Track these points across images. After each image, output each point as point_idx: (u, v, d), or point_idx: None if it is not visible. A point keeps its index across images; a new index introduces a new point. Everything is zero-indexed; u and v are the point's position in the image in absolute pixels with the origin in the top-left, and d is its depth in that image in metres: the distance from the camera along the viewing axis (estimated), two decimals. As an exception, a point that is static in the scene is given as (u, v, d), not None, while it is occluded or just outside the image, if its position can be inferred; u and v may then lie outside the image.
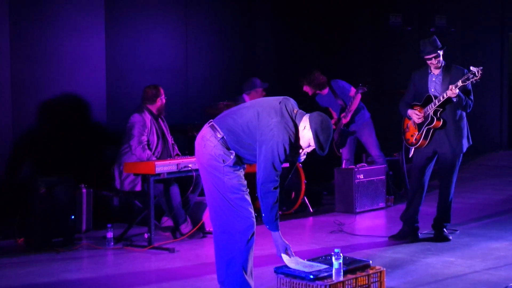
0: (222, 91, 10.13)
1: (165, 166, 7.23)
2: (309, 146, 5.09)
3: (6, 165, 8.24)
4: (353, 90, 9.71)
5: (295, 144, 5.06)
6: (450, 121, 7.32)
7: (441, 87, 7.30)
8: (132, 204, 8.26)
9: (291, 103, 5.17)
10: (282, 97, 5.21)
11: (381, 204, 9.42)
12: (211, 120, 5.30)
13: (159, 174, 7.20)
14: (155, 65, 9.73)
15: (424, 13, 14.13)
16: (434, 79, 7.41)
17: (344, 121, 9.73)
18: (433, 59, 7.29)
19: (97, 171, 8.59)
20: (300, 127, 5.05)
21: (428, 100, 7.32)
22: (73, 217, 7.61)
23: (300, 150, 5.16)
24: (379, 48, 12.86)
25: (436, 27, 14.34)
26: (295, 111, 5.11)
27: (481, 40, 15.37)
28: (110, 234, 7.44)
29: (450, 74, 7.30)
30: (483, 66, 7.09)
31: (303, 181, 9.15)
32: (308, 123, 5.03)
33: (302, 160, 5.29)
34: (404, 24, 13.62)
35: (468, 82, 7.00)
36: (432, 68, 7.41)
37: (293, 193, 9.18)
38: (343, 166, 9.78)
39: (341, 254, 5.11)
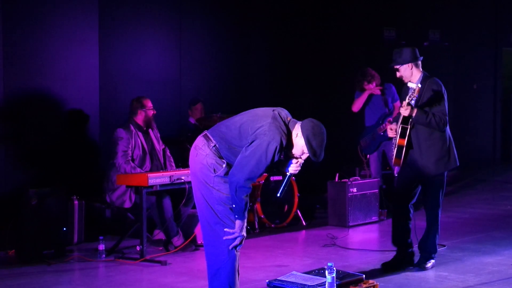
0: (216, 103, 10.12)
1: (158, 178, 7.21)
2: (303, 153, 5.06)
3: (-2, 176, 8.21)
4: (398, 102, 9.70)
5: (286, 148, 5.03)
6: (420, 140, 6.70)
7: (415, 101, 6.72)
8: (124, 217, 8.22)
9: (285, 112, 5.18)
10: (276, 107, 5.21)
11: (374, 218, 9.40)
12: (206, 130, 5.30)
13: (151, 186, 7.18)
14: (149, 76, 9.72)
15: (418, 27, 14.16)
16: (409, 92, 6.75)
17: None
18: (397, 71, 6.90)
19: (89, 182, 8.56)
20: (293, 135, 5.04)
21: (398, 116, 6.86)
22: (64, 229, 7.58)
23: (294, 160, 5.12)
24: (372, 62, 12.85)
25: (430, 41, 14.38)
26: (288, 119, 5.12)
27: (474, 54, 15.42)
28: (102, 246, 7.40)
29: (423, 87, 6.73)
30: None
31: (296, 194, 9.14)
32: (300, 130, 5.01)
33: (297, 171, 5.22)
34: (398, 38, 13.64)
35: (410, 99, 6.53)
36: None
37: (286, 206, 9.16)
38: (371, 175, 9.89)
39: (334, 268, 5.09)
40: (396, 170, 7.09)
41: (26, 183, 8.07)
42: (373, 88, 9.83)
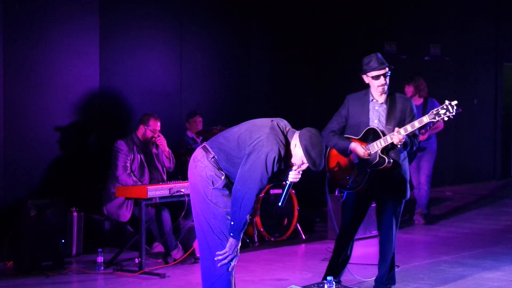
0: (216, 115, 10.11)
1: (157, 191, 7.20)
2: (303, 163, 5.04)
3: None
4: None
5: (284, 159, 5.01)
6: (395, 162, 6.09)
7: (387, 119, 6.08)
8: (123, 229, 8.20)
9: (284, 122, 5.16)
10: (275, 117, 5.20)
11: (374, 232, 9.34)
12: (205, 142, 5.29)
13: (151, 199, 7.16)
14: (149, 88, 9.71)
15: (418, 42, 14.18)
16: (377, 107, 6.16)
17: (421, 138, 9.84)
18: (383, 77, 6.07)
19: (88, 194, 8.53)
20: (292, 145, 5.02)
21: (373, 134, 6.07)
22: (63, 241, 7.55)
23: (294, 168, 5.09)
24: (373, 76, 12.87)
25: (430, 56, 14.40)
26: (287, 129, 5.10)
27: (475, 69, 15.42)
28: (100, 259, 7.36)
29: (396, 103, 6.13)
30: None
31: (296, 207, 9.11)
32: (298, 140, 4.98)
33: (297, 179, 5.18)
34: (399, 52, 13.66)
35: (439, 119, 5.84)
36: (375, 93, 6.17)
37: (286, 219, 9.13)
38: (414, 193, 10.21)
39: (333, 282, 5.07)
40: (344, 195, 6.36)
41: (24, 195, 8.05)
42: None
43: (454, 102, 5.84)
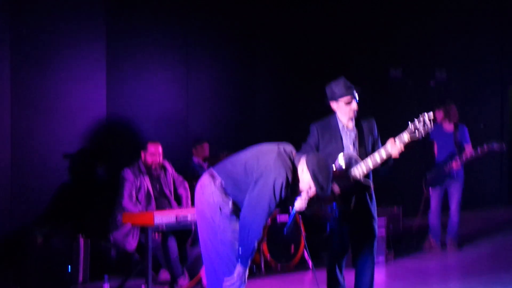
0: (223, 141, 10.11)
1: (164, 217, 7.16)
2: (310, 188, 5.03)
3: (3, 214, 8.16)
4: (469, 145, 9.94)
5: (292, 184, 5.00)
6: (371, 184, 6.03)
7: (359, 143, 5.97)
8: (129, 256, 8.17)
9: (290, 147, 5.17)
10: (281, 142, 5.20)
11: (381, 259, 9.30)
12: (212, 168, 5.28)
13: (157, 227, 7.13)
14: (157, 113, 9.72)
15: (424, 66, 14.19)
16: (348, 133, 6.02)
17: (455, 166, 9.86)
18: (354, 101, 5.98)
19: (95, 220, 8.52)
20: (299, 170, 5.02)
21: (353, 159, 5.87)
22: (69, 268, 7.52)
23: (303, 195, 5.08)
24: (378, 100, 12.87)
25: (436, 80, 14.39)
26: (293, 154, 5.10)
27: (481, 94, 15.40)
28: (107, 286, 7.34)
29: (363, 127, 6.05)
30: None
31: (303, 234, 9.05)
32: (305, 165, 4.98)
33: (303, 208, 5.17)
34: (404, 77, 13.66)
35: (419, 134, 5.65)
36: (344, 119, 6.05)
37: (292, 246, 9.06)
38: (429, 217, 10.16)
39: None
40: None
41: (31, 222, 8.04)
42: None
43: (430, 114, 5.67)
